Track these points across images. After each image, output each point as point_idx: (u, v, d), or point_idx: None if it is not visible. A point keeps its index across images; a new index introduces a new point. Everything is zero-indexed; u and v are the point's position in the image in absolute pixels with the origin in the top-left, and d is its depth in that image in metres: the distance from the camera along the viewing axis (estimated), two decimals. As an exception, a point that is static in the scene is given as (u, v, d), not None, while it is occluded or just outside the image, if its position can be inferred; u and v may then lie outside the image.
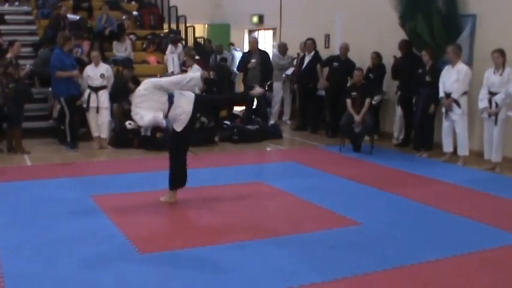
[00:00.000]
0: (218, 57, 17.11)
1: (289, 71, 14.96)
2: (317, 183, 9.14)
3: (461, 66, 10.25)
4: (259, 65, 13.87)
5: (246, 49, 17.80)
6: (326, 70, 13.66)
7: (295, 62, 15.07)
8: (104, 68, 11.75)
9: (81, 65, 11.93)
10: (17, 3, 16.96)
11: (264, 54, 14.36)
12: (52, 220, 7.00)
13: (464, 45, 10.79)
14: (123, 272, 5.46)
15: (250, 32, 19.09)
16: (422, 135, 11.18)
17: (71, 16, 15.50)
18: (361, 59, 12.90)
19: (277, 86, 15.06)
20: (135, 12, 17.73)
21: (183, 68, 14.36)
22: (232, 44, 19.13)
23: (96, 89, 11.53)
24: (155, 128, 10.63)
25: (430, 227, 6.95)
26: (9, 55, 10.85)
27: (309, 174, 9.77)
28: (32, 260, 5.71)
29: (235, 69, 16.38)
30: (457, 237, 6.62)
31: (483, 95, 9.95)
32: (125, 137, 11.89)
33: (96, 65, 11.66)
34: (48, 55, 12.41)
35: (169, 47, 15.45)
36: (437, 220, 7.25)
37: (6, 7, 16.58)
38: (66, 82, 11.11)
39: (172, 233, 6.77)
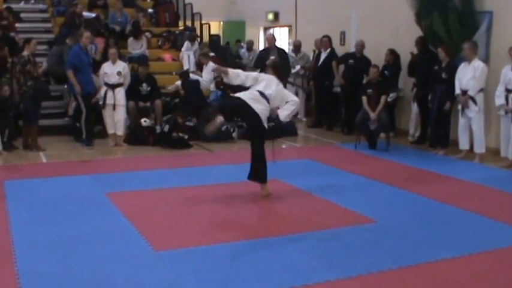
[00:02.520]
0: (247, 53, 17.21)
1: (296, 69, 14.93)
2: (332, 180, 9.11)
3: (477, 63, 10.18)
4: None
5: (262, 46, 17.82)
6: (342, 67, 13.62)
7: (310, 58, 15.08)
8: (121, 66, 11.77)
9: (94, 64, 11.96)
10: (32, 1, 17.03)
11: (281, 51, 14.33)
12: (67, 217, 7.03)
13: (480, 42, 10.72)
14: (138, 269, 5.47)
15: (266, 29, 19.07)
16: (438, 132, 11.12)
17: (87, 14, 15.57)
18: (377, 56, 12.85)
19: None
20: (150, 10, 17.76)
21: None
22: (239, 41, 19.07)
23: (112, 87, 11.56)
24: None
25: (445, 225, 6.91)
26: (25, 53, 10.90)
27: (324, 172, 9.74)
28: (47, 257, 5.74)
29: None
30: (473, 235, 6.58)
31: (500, 92, 9.88)
32: (140, 134, 11.92)
33: (113, 62, 11.69)
34: (60, 52, 12.61)
35: (186, 43, 15.48)
36: (453, 218, 7.21)
37: (22, 5, 16.65)
38: (82, 79, 11.11)
39: (188, 230, 6.76)
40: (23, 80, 10.71)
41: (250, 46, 17.66)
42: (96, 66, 11.89)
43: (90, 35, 11.72)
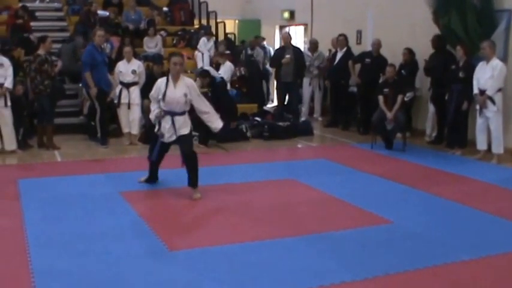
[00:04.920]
0: (250, 52, 17.12)
1: (315, 65, 14.87)
2: (348, 180, 9.06)
3: (495, 63, 10.07)
4: (292, 61, 13.78)
5: (277, 45, 17.77)
6: (358, 66, 13.56)
7: (325, 57, 15.03)
8: (136, 64, 11.75)
9: (109, 62, 11.94)
10: (47, -1, 17.09)
11: (297, 49, 14.27)
12: (81, 216, 7.01)
13: (499, 41, 10.62)
14: (153, 269, 5.44)
15: (281, 27, 19.03)
16: (455, 132, 11.02)
17: (101, 12, 15.59)
18: (394, 55, 12.75)
19: (305, 82, 14.98)
20: (165, 8, 17.77)
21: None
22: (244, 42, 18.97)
23: (127, 85, 11.53)
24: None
25: (463, 226, 6.84)
26: (41, 51, 10.88)
27: (340, 172, 9.68)
28: (61, 255, 5.72)
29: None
30: (490, 236, 6.52)
31: (518, 92, 9.80)
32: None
33: (128, 61, 11.66)
34: (72, 49, 12.70)
35: (202, 40, 15.47)
36: (471, 219, 7.14)
37: (37, 4, 16.68)
38: (96, 77, 11.09)
39: (202, 230, 6.73)
40: (39, 79, 10.69)
41: (254, 45, 17.62)
42: (111, 65, 11.86)
43: (104, 33, 11.69)
